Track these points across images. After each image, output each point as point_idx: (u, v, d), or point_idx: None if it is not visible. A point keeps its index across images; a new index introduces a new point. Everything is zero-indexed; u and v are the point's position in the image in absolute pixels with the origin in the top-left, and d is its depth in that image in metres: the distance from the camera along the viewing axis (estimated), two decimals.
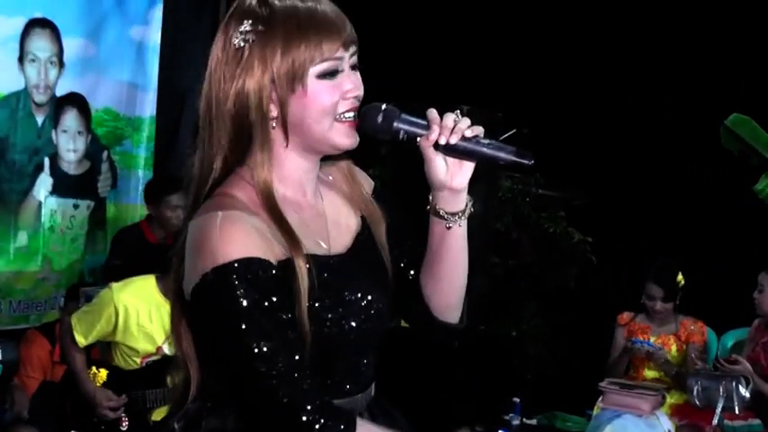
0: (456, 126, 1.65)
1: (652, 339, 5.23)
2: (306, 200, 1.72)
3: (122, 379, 4.10)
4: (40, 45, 5.54)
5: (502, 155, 1.65)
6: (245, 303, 1.52)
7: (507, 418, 5.53)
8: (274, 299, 1.54)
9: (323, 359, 1.62)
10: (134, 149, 6.32)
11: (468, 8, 7.83)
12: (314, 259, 1.63)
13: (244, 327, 1.52)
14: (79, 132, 5.84)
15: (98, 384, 4.09)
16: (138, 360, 4.09)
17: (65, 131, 5.75)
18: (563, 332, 7.14)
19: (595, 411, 5.00)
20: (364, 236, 1.79)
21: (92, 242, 5.85)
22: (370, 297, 1.69)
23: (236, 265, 1.53)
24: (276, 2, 1.62)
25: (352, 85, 1.66)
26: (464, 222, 1.75)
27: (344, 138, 1.67)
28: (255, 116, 1.62)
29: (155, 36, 6.35)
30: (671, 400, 5.07)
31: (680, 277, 5.21)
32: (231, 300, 1.53)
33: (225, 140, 1.65)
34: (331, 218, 1.75)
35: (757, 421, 4.73)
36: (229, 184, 1.66)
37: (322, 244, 1.70)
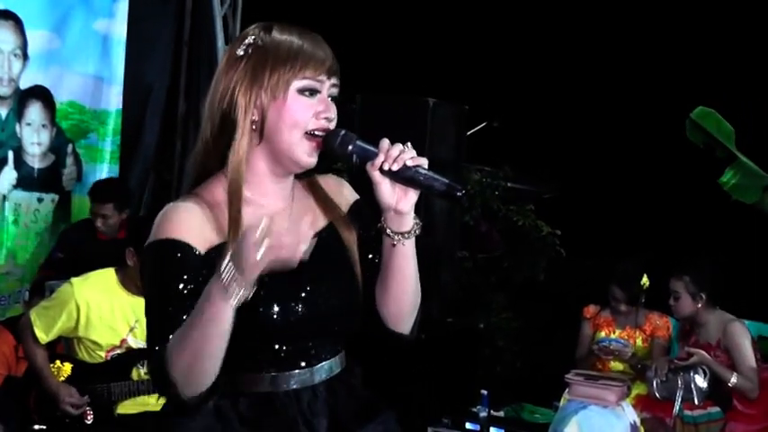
0: (399, 156, 1.85)
1: (617, 332, 5.25)
2: (271, 203, 1.93)
3: (87, 372, 4.04)
4: (4, 37, 5.50)
5: (436, 185, 1.86)
6: (160, 275, 1.84)
7: (475, 410, 5.51)
8: (184, 277, 1.81)
9: (264, 333, 1.86)
10: (100, 143, 6.29)
11: (441, 1, 7.86)
12: None
13: (156, 293, 1.84)
14: (43, 125, 5.81)
15: (62, 378, 4.04)
16: (103, 354, 4.03)
17: (29, 125, 5.71)
18: (532, 324, 7.15)
19: (562, 403, 5.00)
20: (326, 236, 1.99)
21: (56, 236, 5.79)
22: (315, 287, 1.91)
23: (163, 243, 1.83)
24: (277, 32, 1.90)
25: (325, 107, 1.90)
26: (410, 242, 1.93)
27: (305, 155, 1.90)
28: (240, 114, 1.87)
29: (120, 29, 6.32)
30: (636, 390, 5.09)
31: (644, 280, 5.25)
32: (152, 269, 1.86)
33: (209, 133, 1.91)
34: (294, 219, 1.94)
35: (716, 409, 4.75)
36: (205, 185, 1.92)
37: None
